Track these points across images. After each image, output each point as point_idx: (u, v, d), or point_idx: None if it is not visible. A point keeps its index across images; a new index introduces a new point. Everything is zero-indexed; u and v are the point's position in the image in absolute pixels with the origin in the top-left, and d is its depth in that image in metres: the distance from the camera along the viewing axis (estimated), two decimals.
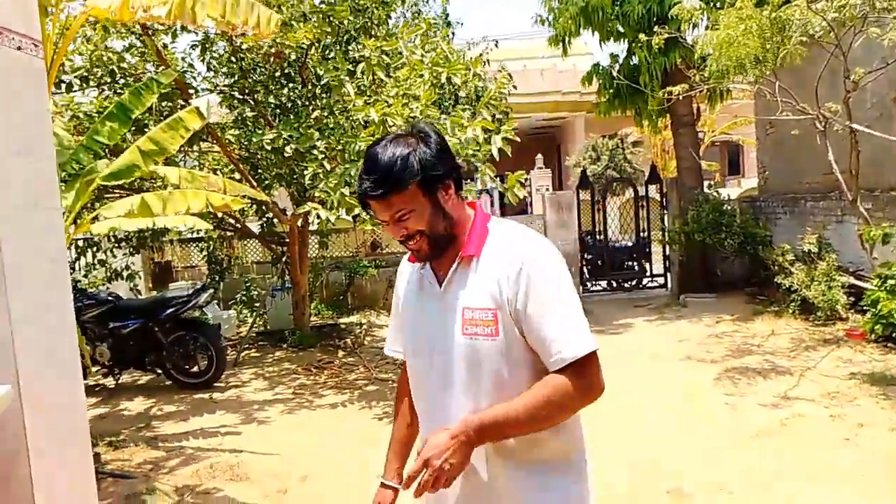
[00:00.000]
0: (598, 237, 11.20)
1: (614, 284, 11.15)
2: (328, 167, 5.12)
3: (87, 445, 3.11)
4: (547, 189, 15.53)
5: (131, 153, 4.18)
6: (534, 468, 1.41)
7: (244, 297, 9.08)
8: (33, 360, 2.75)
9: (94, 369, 6.42)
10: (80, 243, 7.64)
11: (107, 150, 4.55)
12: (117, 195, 5.93)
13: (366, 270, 9.88)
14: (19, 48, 2.83)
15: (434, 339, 1.46)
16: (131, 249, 8.09)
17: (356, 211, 4.64)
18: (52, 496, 2.77)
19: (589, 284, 11.02)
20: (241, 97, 7.04)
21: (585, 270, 11.04)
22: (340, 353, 7.52)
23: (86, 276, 7.88)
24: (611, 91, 10.00)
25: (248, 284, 9.18)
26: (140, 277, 8.93)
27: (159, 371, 6.36)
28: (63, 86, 6.01)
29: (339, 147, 5.19)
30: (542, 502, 1.40)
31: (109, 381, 6.55)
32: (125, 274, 8.08)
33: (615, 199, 12.61)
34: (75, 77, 6.05)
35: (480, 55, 7.75)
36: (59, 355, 2.95)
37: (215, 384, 6.29)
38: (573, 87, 17.08)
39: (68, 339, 3.04)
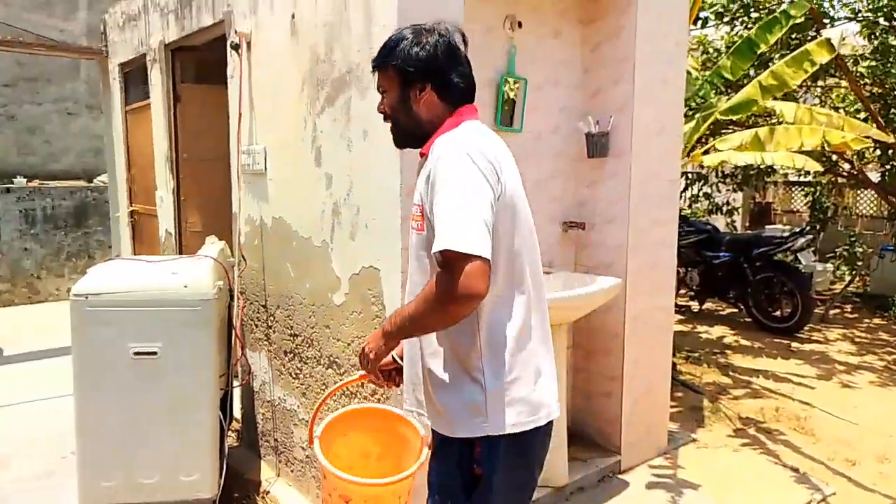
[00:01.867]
0: None
1: None
2: None
3: (668, 348, 3.54)
4: None
5: (751, 88, 4.25)
6: (435, 367, 1.52)
7: (845, 252, 8.20)
8: (640, 263, 3.26)
9: (681, 292, 7.04)
10: (690, 175, 8.25)
11: (727, 86, 4.73)
12: (731, 130, 6.12)
13: None
14: None
15: None
16: (735, 186, 8.28)
17: None
18: (635, 371, 3.29)
19: None
20: (886, 24, 6.10)
21: None
22: None
23: (689, 206, 8.52)
24: None
25: (852, 239, 8.21)
26: (738, 214, 9.11)
27: (741, 306, 6.52)
28: (699, 22, 6.40)
29: None
30: (439, 400, 1.51)
31: (694, 305, 7.09)
32: (725, 209, 8.35)
33: None
34: (711, 13, 6.35)
35: None
36: (659, 266, 3.40)
37: (796, 333, 6.04)
38: None
39: (668, 253, 3.46)
